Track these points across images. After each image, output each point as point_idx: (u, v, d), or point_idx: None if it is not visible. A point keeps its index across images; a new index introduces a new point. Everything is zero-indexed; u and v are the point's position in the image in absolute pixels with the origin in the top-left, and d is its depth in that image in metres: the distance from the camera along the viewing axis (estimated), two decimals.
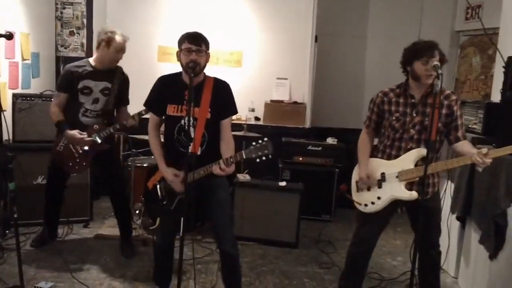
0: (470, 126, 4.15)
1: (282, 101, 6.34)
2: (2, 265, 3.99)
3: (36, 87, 5.45)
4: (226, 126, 3.29)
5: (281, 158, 5.78)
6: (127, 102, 4.46)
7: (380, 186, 3.34)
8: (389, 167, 3.31)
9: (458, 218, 4.12)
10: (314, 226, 5.44)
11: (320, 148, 5.78)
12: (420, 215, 3.04)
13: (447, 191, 4.28)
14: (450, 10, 6.53)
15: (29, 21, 5.37)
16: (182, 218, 2.86)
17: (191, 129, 3.10)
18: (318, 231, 5.24)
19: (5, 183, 3.89)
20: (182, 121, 3.18)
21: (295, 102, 6.36)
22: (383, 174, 3.33)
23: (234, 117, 3.40)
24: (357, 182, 3.47)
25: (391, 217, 3.48)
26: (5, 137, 3.07)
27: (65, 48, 6.25)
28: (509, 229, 3.42)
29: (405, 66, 3.27)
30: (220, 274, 4.03)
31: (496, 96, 4.17)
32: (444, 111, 3.22)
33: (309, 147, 5.79)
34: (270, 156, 2.97)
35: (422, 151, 3.18)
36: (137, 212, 5.09)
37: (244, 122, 5.70)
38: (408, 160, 3.25)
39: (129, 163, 5.17)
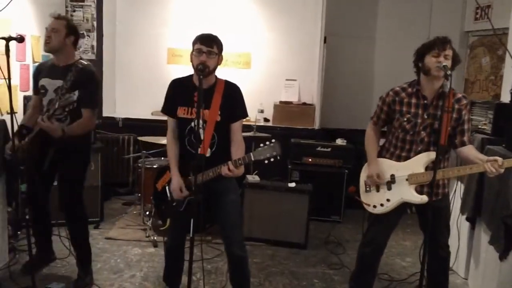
0: (479, 126, 4.14)
1: (291, 102, 6.35)
2: (14, 265, 4.03)
3: None
4: (236, 129, 3.29)
5: (290, 159, 5.79)
6: (87, 104, 3.63)
7: (389, 188, 3.30)
8: (399, 169, 3.27)
9: (468, 219, 4.11)
10: (323, 227, 5.44)
11: (329, 149, 5.77)
12: (429, 216, 3.04)
13: (456, 192, 4.27)
14: (459, 11, 6.51)
15: (39, 24, 5.41)
16: (192, 219, 2.87)
17: (201, 131, 3.12)
18: (327, 232, 5.24)
19: (17, 184, 3.94)
20: (192, 123, 3.20)
21: (304, 103, 6.37)
22: (392, 176, 3.29)
23: None
24: (366, 181, 3.43)
25: (401, 217, 3.45)
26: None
27: (75, 50, 6.28)
28: None
29: (417, 63, 3.21)
30: (229, 274, 4.06)
31: (505, 97, 4.15)
32: (454, 115, 3.18)
33: (318, 148, 5.79)
34: (278, 157, 2.96)
35: (432, 154, 3.14)
36: (147, 213, 5.12)
37: (253, 123, 5.72)
38: (419, 163, 3.21)
39: (139, 165, 5.20)
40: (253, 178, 5.06)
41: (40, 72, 3.75)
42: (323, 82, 6.39)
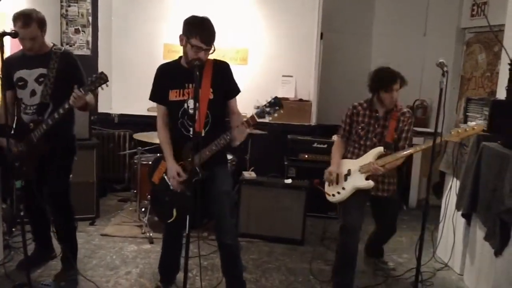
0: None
1: (287, 99, 6.33)
2: (9, 262, 4.02)
3: None
4: (233, 104, 3.36)
5: (287, 156, 5.78)
6: (82, 84, 3.51)
7: (346, 180, 3.90)
8: (354, 164, 3.90)
9: (463, 215, 4.11)
10: (320, 223, 5.43)
11: (325, 146, 5.75)
12: (385, 207, 4.08)
13: (452, 188, 4.28)
14: (456, 7, 6.50)
15: None
16: (188, 216, 2.87)
17: (196, 112, 3.10)
18: (324, 228, 5.24)
19: (11, 181, 3.92)
20: (185, 105, 3.19)
21: (301, 100, 6.36)
22: (349, 170, 3.91)
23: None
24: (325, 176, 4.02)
25: (365, 205, 3.99)
26: None
27: (71, 46, 6.28)
28: None
29: (372, 91, 3.92)
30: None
31: (501, 93, 4.16)
32: (399, 124, 3.91)
33: (315, 145, 5.78)
34: (281, 111, 3.09)
35: (379, 149, 3.82)
36: (143, 210, 5.11)
37: None
38: (368, 157, 3.84)
39: (135, 161, 5.19)
40: (249, 174, 5.05)
41: (12, 66, 3.59)
42: (320, 79, 6.38)
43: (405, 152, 3.77)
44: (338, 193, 3.91)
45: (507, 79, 3.87)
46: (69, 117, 3.67)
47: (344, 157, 4.03)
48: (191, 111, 3.07)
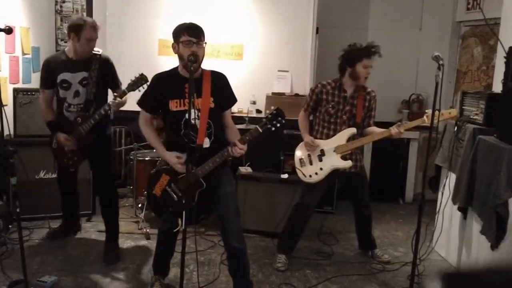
0: (471, 117, 4.14)
1: (283, 94, 6.33)
2: (5, 259, 4.01)
3: (36, 81, 5.40)
4: (228, 115, 3.42)
5: (283, 151, 5.77)
6: (118, 84, 4.25)
7: (321, 160, 4.07)
8: (327, 144, 4.07)
9: (459, 209, 4.12)
10: (316, 218, 5.41)
11: None
12: (352, 183, 4.27)
13: (448, 182, 4.28)
14: (451, 1, 6.50)
15: (29, 15, 5.37)
16: (184, 212, 2.87)
17: (197, 121, 3.13)
18: (320, 223, 5.25)
19: (7, 177, 3.91)
20: (187, 115, 3.19)
21: (297, 95, 6.35)
22: (322, 150, 4.07)
23: (235, 109, 3.44)
24: (300, 159, 4.13)
25: (328, 186, 4.21)
26: (6, 132, 3.08)
27: (65, 42, 6.24)
28: (511, 220, 3.42)
29: (346, 66, 4.06)
30: (222, 266, 4.07)
31: (497, 87, 4.16)
32: (366, 104, 4.12)
33: None
34: (284, 121, 3.16)
35: (352, 130, 4.05)
36: (139, 206, 5.11)
37: (245, 115, 5.70)
38: (342, 137, 4.05)
39: (131, 157, 5.18)
40: (245, 169, 5.05)
41: (55, 68, 4.03)
42: (315, 73, 6.37)
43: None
44: (316, 174, 4.06)
45: (503, 73, 3.87)
46: (108, 115, 4.17)
47: (313, 137, 4.16)
48: (193, 121, 3.08)
